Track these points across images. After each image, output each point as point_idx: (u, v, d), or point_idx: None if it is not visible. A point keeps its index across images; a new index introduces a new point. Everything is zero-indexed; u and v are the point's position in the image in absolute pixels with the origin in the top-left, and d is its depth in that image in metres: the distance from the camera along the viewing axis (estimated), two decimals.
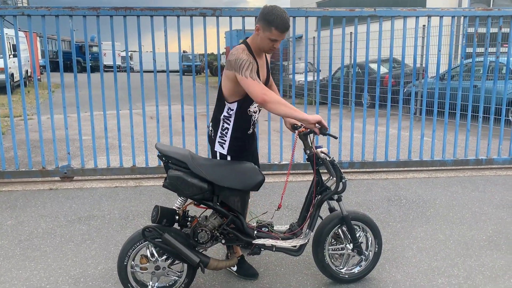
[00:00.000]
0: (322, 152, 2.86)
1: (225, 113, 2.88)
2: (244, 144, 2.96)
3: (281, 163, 5.78)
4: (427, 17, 5.59)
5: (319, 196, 2.92)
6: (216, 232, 2.79)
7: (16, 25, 5.27)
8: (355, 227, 3.03)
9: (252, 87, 2.63)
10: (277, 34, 2.70)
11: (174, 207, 2.81)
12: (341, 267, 3.06)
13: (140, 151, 6.74)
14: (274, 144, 6.66)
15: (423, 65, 9.43)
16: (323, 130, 2.73)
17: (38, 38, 26.61)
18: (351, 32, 8.99)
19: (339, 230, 3.01)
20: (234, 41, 24.97)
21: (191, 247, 2.75)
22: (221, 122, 2.90)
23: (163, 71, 13.92)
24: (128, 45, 5.40)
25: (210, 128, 2.99)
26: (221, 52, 5.55)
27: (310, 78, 13.87)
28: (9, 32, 15.78)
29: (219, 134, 2.91)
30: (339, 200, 2.92)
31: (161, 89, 6.07)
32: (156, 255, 2.77)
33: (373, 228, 3.05)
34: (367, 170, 5.91)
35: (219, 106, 2.92)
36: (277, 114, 2.67)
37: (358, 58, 11.62)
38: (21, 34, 17.54)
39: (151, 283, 2.81)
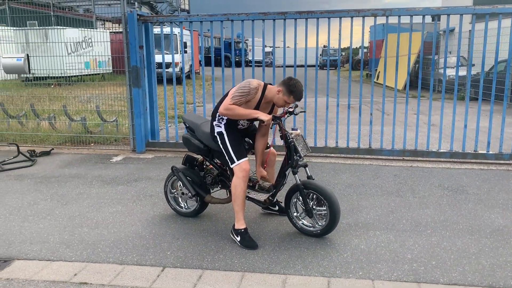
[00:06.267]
0: (292, 133, 3.64)
1: (216, 121, 3.75)
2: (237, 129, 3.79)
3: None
4: None
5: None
6: (217, 178, 4.04)
7: (191, 28, 6.89)
8: (311, 195, 3.66)
9: (226, 101, 3.55)
10: (293, 100, 3.58)
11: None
12: (307, 223, 3.78)
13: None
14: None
15: None
16: (275, 119, 3.61)
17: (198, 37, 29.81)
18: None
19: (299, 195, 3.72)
20: (379, 35, 24.55)
21: (200, 184, 3.99)
22: (216, 121, 3.76)
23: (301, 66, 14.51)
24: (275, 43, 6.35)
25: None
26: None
27: (464, 73, 13.45)
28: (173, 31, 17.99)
29: (216, 122, 3.76)
30: (294, 173, 3.67)
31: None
32: (181, 185, 4.13)
33: (326, 196, 3.53)
34: None
35: (214, 113, 3.80)
36: (235, 117, 3.57)
37: None
38: (187, 33, 20.04)
39: (183, 203, 4.25)
